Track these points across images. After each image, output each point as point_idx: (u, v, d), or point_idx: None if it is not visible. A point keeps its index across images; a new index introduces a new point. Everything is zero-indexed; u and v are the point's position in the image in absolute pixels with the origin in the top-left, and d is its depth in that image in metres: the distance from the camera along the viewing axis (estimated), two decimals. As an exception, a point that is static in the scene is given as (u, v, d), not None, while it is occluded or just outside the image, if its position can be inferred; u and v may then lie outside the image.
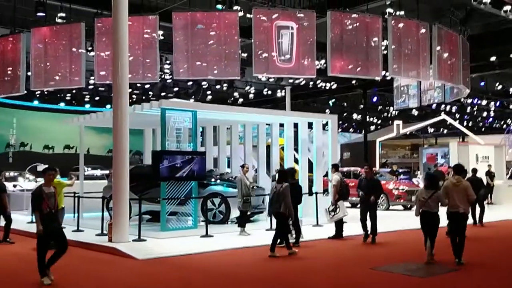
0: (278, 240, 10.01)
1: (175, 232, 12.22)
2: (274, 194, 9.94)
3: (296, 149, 17.38)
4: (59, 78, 16.30)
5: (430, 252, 9.12)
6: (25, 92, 16.88)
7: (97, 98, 31.59)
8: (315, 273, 8.72)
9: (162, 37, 18.55)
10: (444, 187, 9.27)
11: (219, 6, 16.60)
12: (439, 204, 8.99)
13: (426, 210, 8.97)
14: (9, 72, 16.70)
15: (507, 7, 17.65)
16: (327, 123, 15.59)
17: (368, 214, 11.55)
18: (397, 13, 17.79)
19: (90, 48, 17.34)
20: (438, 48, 18.43)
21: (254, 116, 14.51)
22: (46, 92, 28.33)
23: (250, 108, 16.16)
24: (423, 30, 18.14)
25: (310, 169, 16.48)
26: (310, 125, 15.72)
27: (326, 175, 16.45)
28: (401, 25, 17.65)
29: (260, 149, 15.62)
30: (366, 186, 11.54)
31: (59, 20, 16.67)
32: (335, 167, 12.84)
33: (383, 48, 17.46)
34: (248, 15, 16.97)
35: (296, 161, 16.62)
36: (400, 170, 27.03)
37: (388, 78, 25.57)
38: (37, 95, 29.53)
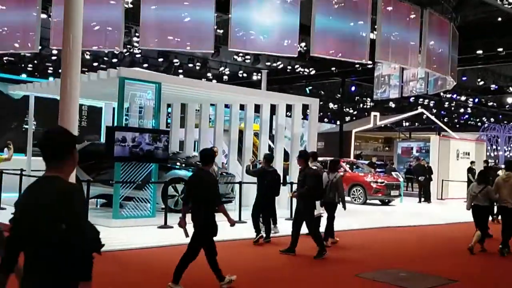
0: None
1: (129, 221, 10.55)
2: (328, 184, 9.56)
3: (270, 137, 15.82)
4: (12, 43, 14.25)
5: (475, 240, 9.45)
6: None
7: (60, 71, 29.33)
8: (288, 278, 7.18)
9: (131, 5, 16.74)
10: (495, 182, 9.66)
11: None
12: (490, 198, 9.54)
13: (476, 204, 9.57)
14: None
15: (504, -5, 16.33)
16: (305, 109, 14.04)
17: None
18: (387, -7, 16.28)
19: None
20: (428, 34, 17.07)
21: (226, 96, 12.77)
22: (5, 61, 26.03)
23: (222, 85, 14.43)
24: (413, 15, 16.74)
25: (286, 158, 14.98)
26: (288, 109, 14.18)
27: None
28: (390, 7, 16.19)
29: (232, 132, 13.96)
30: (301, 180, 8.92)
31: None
32: (313, 156, 11.29)
33: (370, 31, 16.01)
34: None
35: (270, 149, 15.08)
36: (378, 163, 25.75)
37: (371, 64, 24.35)
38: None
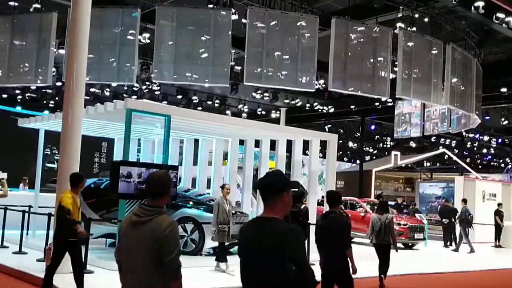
0: None
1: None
2: (381, 225, 9.26)
3: (287, 174, 14.92)
4: (23, 74, 13.82)
5: None
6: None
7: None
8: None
9: (148, 40, 16.28)
10: None
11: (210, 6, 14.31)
12: None
13: None
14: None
15: (531, 30, 15.44)
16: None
17: None
18: (409, 28, 15.57)
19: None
20: (451, 70, 16.24)
21: (240, 130, 11.95)
22: (27, 97, 25.78)
23: (235, 118, 13.62)
24: (435, 49, 15.96)
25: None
26: (306, 147, 13.31)
27: (321, 204, 13.97)
28: (412, 42, 15.43)
29: (247, 169, 13.11)
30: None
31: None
32: (334, 199, 10.32)
33: (391, 65, 15.24)
34: (243, 20, 14.70)
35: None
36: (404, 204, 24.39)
37: (392, 102, 23.48)
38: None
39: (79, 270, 7.15)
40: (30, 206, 12.71)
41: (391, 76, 15.38)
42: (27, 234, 12.53)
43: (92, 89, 23.59)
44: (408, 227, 16.76)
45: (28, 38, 13.81)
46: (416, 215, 19.49)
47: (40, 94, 25.42)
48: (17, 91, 24.68)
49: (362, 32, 14.97)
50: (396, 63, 15.53)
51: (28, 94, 25.14)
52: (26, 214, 11.89)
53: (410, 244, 17.23)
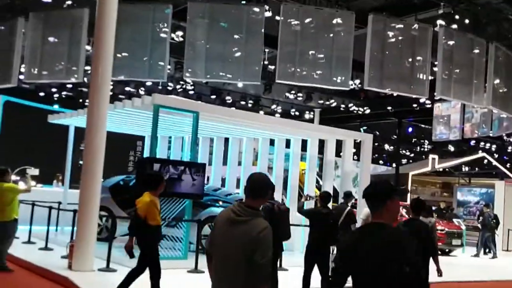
0: None
1: (158, 263, 9.32)
2: None
3: (319, 175, 14.44)
4: (55, 72, 13.76)
5: None
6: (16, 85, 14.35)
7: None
8: None
9: (181, 38, 16.05)
10: None
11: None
12: None
13: None
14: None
15: None
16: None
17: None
18: (450, 26, 14.85)
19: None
20: (493, 70, 15.40)
21: (271, 128, 11.52)
22: (64, 96, 25.99)
23: (265, 116, 13.18)
24: (477, 49, 15.16)
25: (335, 198, 13.50)
26: (339, 149, 12.77)
27: (354, 206, 13.40)
28: (453, 41, 14.70)
29: (277, 169, 12.66)
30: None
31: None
32: (347, 198, 9.85)
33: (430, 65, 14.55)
34: (276, 17, 14.27)
35: (318, 188, 13.64)
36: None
37: (430, 103, 22.65)
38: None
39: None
40: (59, 203, 12.62)
41: (430, 76, 14.71)
42: (56, 230, 12.44)
43: (127, 88, 23.59)
44: (446, 232, 16.01)
45: (60, 34, 13.71)
46: (454, 220, 18.65)
47: (76, 93, 25.58)
48: (54, 89, 24.88)
49: (400, 30, 14.34)
50: (435, 62, 14.85)
51: (65, 93, 25.31)
52: (56, 211, 11.81)
53: (447, 250, 16.46)
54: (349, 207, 9.22)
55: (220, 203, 11.31)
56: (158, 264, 6.69)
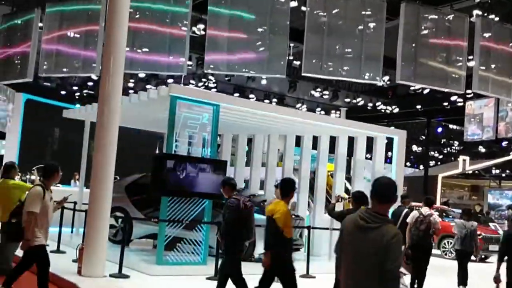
0: None
1: (175, 268, 8.56)
2: (467, 232, 9.25)
3: (347, 178, 13.51)
4: (71, 65, 13.17)
5: None
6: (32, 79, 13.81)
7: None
8: None
9: (203, 32, 15.35)
10: None
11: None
12: None
13: None
14: (15, 55, 13.75)
15: None
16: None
17: None
18: (488, 16, 13.85)
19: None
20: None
21: (297, 124, 10.65)
22: (85, 94, 25.57)
23: (291, 109, 12.31)
24: (517, 41, 14.12)
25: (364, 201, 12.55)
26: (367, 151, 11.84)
27: (412, 209, 12.50)
28: (490, 32, 13.68)
29: (303, 168, 11.80)
30: None
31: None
32: (405, 199, 8.98)
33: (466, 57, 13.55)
34: (302, 8, 13.45)
35: (346, 191, 12.73)
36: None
37: (462, 102, 21.54)
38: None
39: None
40: (74, 203, 11.97)
41: (467, 68, 13.72)
42: (71, 231, 11.82)
43: (148, 86, 23.04)
44: (483, 237, 14.89)
45: (77, 27, 13.12)
46: (490, 224, 17.52)
47: (97, 91, 25.13)
48: (74, 88, 24.47)
49: (433, 21, 13.39)
50: (469, 57, 13.84)
51: (86, 91, 24.89)
52: (71, 212, 11.19)
53: (483, 256, 15.36)
54: (406, 209, 8.81)
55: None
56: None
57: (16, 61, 13.92)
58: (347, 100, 23.40)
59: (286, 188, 6.10)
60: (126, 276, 7.80)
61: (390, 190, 3.32)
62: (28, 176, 8.97)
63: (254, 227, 6.68)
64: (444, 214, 17.13)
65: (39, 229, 5.73)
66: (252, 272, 8.94)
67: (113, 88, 7.96)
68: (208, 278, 8.21)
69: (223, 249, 6.61)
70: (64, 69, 13.36)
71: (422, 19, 13.15)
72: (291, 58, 17.85)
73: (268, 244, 5.89)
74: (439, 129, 28.30)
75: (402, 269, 6.78)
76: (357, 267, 3.23)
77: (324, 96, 22.25)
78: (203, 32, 15.10)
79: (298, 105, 25.65)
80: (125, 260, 8.15)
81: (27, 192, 6.35)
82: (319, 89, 21.95)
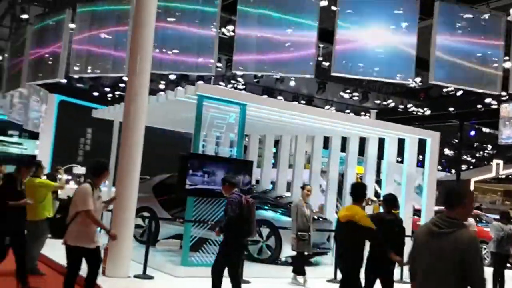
0: None
1: (200, 270, 8.33)
2: (504, 234, 9.17)
3: (377, 181, 13.12)
4: (102, 65, 13.16)
5: None
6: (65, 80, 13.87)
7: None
8: None
9: (232, 33, 15.19)
10: None
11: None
12: None
13: None
14: (47, 56, 13.83)
15: None
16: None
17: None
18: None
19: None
20: None
21: (325, 124, 10.33)
22: (117, 96, 25.76)
23: (320, 109, 11.98)
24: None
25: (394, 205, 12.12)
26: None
27: (418, 213, 12.06)
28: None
29: (331, 169, 11.48)
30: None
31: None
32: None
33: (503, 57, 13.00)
34: (332, 7, 13.13)
35: (376, 194, 12.32)
36: None
37: (497, 104, 20.85)
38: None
39: None
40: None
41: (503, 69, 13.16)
42: (99, 231, 11.74)
43: (178, 88, 23.03)
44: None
45: (108, 27, 13.10)
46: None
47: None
48: (107, 89, 24.65)
49: (468, 20, 12.89)
50: (505, 58, 13.27)
51: (118, 92, 25.05)
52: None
53: (519, 263, 14.72)
54: None
55: (268, 205, 10.27)
56: None
57: (47, 61, 13.99)
58: (377, 101, 22.92)
59: (357, 193, 5.90)
60: (150, 277, 7.64)
61: (459, 194, 3.33)
62: (60, 176, 9.01)
63: (255, 223, 6.53)
64: (477, 219, 16.53)
65: (85, 229, 5.49)
66: (279, 276, 8.75)
67: (140, 88, 7.85)
68: (233, 281, 7.97)
69: (221, 245, 6.49)
70: (95, 70, 13.34)
71: (457, 18, 12.69)
72: (320, 59, 17.55)
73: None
74: (472, 132, 27.48)
75: None
76: (432, 274, 3.19)
77: (354, 98, 21.83)
78: (232, 34, 14.95)
79: (327, 107, 25.29)
80: (150, 260, 8.02)
81: (75, 191, 6.03)
82: (348, 91, 21.55)
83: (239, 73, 15.76)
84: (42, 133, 22.50)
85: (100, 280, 7.18)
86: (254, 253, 9.60)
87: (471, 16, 12.89)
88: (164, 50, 12.73)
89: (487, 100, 20.90)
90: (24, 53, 14.88)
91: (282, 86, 22.26)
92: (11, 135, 27.77)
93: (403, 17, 12.70)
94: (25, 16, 16.40)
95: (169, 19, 12.70)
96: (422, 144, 11.39)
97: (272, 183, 12.95)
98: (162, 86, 21.95)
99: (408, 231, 9.10)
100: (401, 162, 11.86)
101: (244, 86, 22.96)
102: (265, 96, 23.23)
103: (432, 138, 10.81)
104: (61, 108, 23.22)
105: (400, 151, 11.39)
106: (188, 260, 8.45)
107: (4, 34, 18.75)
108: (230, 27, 15.96)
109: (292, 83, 21.26)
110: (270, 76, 19.81)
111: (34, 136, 24.52)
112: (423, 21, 13.29)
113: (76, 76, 14.39)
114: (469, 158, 36.35)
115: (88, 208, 5.42)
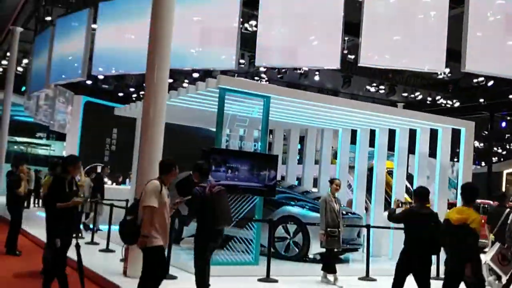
0: None
1: (226, 268, 7.98)
2: None
3: (407, 177, 12.50)
4: (124, 63, 12.91)
5: None
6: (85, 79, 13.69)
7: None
8: None
9: (255, 28, 14.79)
10: None
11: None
12: None
13: None
14: (70, 56, 13.67)
15: None
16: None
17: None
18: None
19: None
20: None
21: (352, 115, 9.81)
22: (141, 96, 25.65)
23: (347, 100, 11.43)
24: None
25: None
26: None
27: (450, 207, 11.41)
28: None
29: (360, 163, 10.97)
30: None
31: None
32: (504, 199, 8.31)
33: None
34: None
35: (407, 191, 11.73)
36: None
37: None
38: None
39: None
40: (126, 200, 11.69)
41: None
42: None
43: (199, 82, 22.79)
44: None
45: (129, 26, 12.84)
46: None
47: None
48: (132, 89, 24.56)
49: (500, 8, 12.26)
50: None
51: (142, 92, 24.92)
52: (122, 210, 10.88)
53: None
54: (508, 209, 8.03)
55: (295, 201, 9.82)
56: None
57: (70, 61, 13.83)
58: (405, 94, 22.22)
59: (471, 195, 5.44)
60: (174, 277, 7.31)
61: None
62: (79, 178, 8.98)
63: (226, 212, 6.11)
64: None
65: (157, 228, 5.17)
66: (307, 274, 8.30)
67: (159, 83, 7.52)
68: (260, 280, 7.58)
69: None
70: (118, 68, 13.11)
71: (489, 5, 12.06)
72: (345, 52, 17.02)
73: (467, 255, 5.37)
74: (503, 124, 26.48)
75: (497, 270, 6.11)
76: None
77: (380, 91, 21.18)
78: (255, 29, 14.57)
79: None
80: (174, 260, 7.69)
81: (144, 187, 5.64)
82: (374, 84, 20.92)
83: (263, 66, 15.31)
84: (68, 134, 22.49)
85: (119, 280, 6.90)
86: (281, 250, 9.19)
87: (503, 2, 12.25)
88: (184, 45, 12.42)
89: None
90: (47, 54, 14.77)
91: (306, 81, 21.77)
92: (39, 137, 27.98)
93: (432, 6, 12.13)
94: (48, 18, 16.34)
95: (189, 13, 12.39)
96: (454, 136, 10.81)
97: (298, 179, 12.51)
98: (185, 85, 21.69)
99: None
100: (430, 155, 11.30)
101: (267, 82, 22.54)
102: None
103: (467, 128, 10.20)
104: (87, 109, 23.18)
105: (430, 144, 10.83)
106: (212, 258, 8.05)
107: (29, 37, 18.73)
108: (253, 22, 15.61)
109: (317, 78, 20.76)
110: (294, 71, 19.37)
111: (61, 137, 24.59)
112: (453, 9, 12.69)
113: (98, 75, 14.09)
114: (499, 150, 35.16)
115: (148, 204, 5.05)
